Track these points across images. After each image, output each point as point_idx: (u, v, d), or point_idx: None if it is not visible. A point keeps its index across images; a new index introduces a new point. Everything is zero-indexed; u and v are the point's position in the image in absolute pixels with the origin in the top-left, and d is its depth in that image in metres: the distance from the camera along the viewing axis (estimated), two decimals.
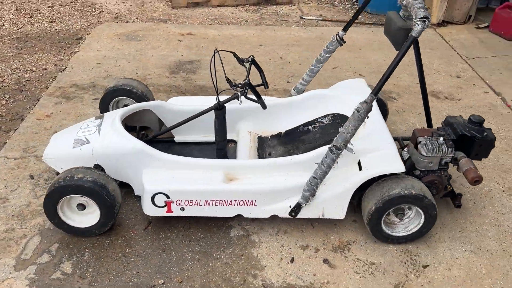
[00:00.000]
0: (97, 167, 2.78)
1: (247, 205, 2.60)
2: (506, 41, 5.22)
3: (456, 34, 5.46)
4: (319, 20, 5.89)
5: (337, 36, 3.10)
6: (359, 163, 2.58)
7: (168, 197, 2.57)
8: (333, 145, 2.37)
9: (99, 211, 2.56)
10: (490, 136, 2.61)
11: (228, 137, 3.14)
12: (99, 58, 4.64)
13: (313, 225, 2.72)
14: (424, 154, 2.55)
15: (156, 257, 2.50)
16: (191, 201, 2.59)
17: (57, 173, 2.90)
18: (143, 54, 4.77)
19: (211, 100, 3.26)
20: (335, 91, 3.24)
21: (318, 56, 3.24)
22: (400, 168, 2.49)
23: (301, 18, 5.95)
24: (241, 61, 2.88)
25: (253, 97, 2.77)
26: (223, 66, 2.84)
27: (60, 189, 2.46)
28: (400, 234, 2.60)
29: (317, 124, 3.14)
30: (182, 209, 2.61)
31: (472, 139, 2.60)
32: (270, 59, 4.75)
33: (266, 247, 2.59)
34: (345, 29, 3.10)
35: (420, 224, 2.56)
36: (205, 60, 4.67)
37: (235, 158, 3.04)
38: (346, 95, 3.17)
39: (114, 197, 2.54)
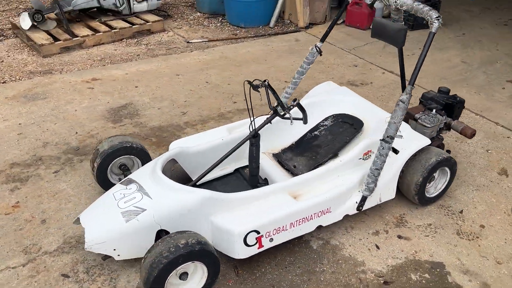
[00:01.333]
0: (161, 232, 2.54)
1: (324, 213, 2.76)
2: (364, 31, 6.37)
3: (331, 35, 6.36)
4: (205, 41, 6.08)
5: (316, 47, 3.45)
6: (393, 149, 3.01)
7: (258, 232, 2.55)
8: (387, 136, 2.74)
9: (206, 272, 2.38)
10: (461, 99, 3.36)
11: (241, 164, 3.21)
12: (15, 128, 3.93)
13: (367, 213, 3.05)
14: (429, 125, 3.15)
15: None
16: (279, 229, 2.62)
17: (106, 257, 2.53)
18: (64, 111, 4.22)
19: (220, 132, 3.26)
20: (319, 97, 3.58)
21: (300, 69, 3.53)
22: (427, 141, 3.02)
23: (188, 42, 6.04)
24: (256, 87, 2.98)
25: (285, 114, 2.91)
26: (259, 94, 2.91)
27: (169, 265, 2.22)
28: (434, 194, 3.15)
29: (322, 128, 3.44)
30: (271, 240, 2.62)
31: (452, 105, 3.31)
32: (198, 86, 4.78)
33: (350, 246, 2.81)
34: (322, 40, 3.47)
35: (447, 181, 3.15)
36: (136, 101, 4.43)
37: (264, 181, 3.12)
38: (330, 97, 3.56)
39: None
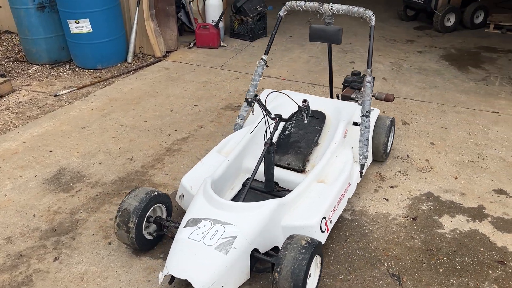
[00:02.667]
0: (253, 252, 2.64)
1: (348, 187, 3.29)
2: (217, 49, 6.95)
3: (185, 57, 6.69)
4: (74, 90, 5.65)
5: (263, 60, 3.87)
6: (354, 123, 3.72)
7: (325, 218, 2.90)
8: (366, 112, 3.44)
9: (319, 263, 2.62)
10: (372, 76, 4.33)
11: (243, 178, 3.46)
12: None
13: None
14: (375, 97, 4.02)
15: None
16: (333, 210, 3.04)
17: None
18: None
19: (214, 156, 3.46)
20: (273, 103, 4.00)
21: (252, 82, 3.89)
22: (378, 111, 3.85)
23: (56, 95, 5.51)
24: (250, 103, 3.26)
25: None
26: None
27: (309, 264, 2.42)
28: (389, 149, 4.00)
29: (290, 127, 3.88)
30: (331, 221, 3.02)
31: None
32: (117, 131, 4.55)
33: (369, 206, 3.44)
34: (266, 53, 3.91)
35: (392, 137, 4.05)
36: (66, 164, 3.99)
37: (276, 185, 3.44)
38: (281, 100, 4.03)
39: None
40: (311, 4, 3.73)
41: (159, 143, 4.38)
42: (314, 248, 2.48)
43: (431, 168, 3.89)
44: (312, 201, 3.01)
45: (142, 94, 5.46)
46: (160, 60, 6.62)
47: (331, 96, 4.50)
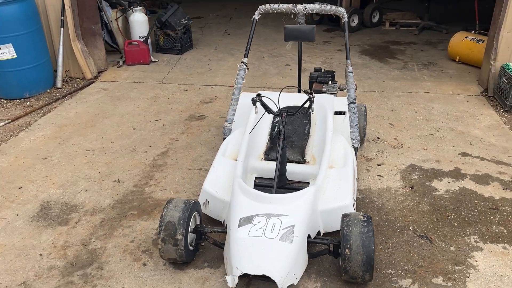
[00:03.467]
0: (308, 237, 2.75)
1: (354, 168, 3.54)
2: (149, 65, 6.77)
3: (119, 76, 6.40)
4: (8, 122, 5.06)
5: (244, 63, 3.95)
6: (342, 112, 4.00)
7: (353, 197, 3.13)
8: (352, 99, 3.76)
9: None
10: (332, 70, 4.67)
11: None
12: None
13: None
14: (335, 92, 4.35)
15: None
16: (354, 189, 3.27)
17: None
18: None
19: (223, 161, 3.49)
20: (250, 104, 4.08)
21: (236, 85, 3.95)
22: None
23: None
24: (254, 102, 3.36)
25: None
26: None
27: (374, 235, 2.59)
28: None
29: (278, 124, 3.99)
30: (355, 200, 3.22)
31: (332, 76, 4.58)
32: (87, 157, 4.23)
33: (370, 184, 3.74)
34: (245, 56, 3.99)
35: (366, 122, 4.44)
36: (48, 198, 3.62)
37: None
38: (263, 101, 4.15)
39: None
40: (285, 6, 3.95)
41: (140, 161, 4.19)
42: (371, 220, 2.68)
43: (402, 144, 4.37)
44: (336, 185, 3.22)
45: (92, 117, 5.13)
46: (93, 82, 6.25)
47: (299, 92, 4.76)
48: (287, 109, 3.49)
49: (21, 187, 3.81)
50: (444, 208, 3.41)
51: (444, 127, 4.71)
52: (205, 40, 8.10)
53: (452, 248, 3.01)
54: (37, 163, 4.18)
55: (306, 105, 3.41)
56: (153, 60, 6.95)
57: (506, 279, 2.75)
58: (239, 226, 2.73)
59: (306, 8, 3.93)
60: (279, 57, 7.09)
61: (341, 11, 3.85)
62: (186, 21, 7.31)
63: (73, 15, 5.99)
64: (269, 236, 2.64)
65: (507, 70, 5.03)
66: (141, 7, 7.12)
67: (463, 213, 3.36)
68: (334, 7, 3.87)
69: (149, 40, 7.02)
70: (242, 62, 4.03)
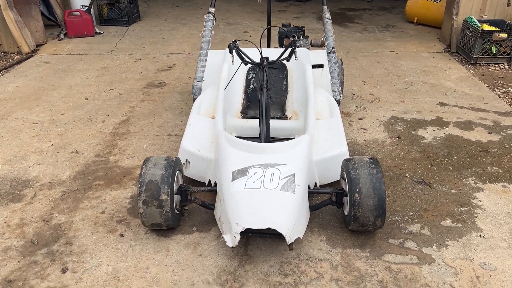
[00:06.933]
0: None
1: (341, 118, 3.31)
2: (94, 36, 6.15)
3: (61, 48, 5.75)
4: None
5: (211, 13, 3.58)
6: (319, 66, 3.75)
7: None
8: (331, 48, 3.52)
9: None
10: (301, 26, 4.40)
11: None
12: None
13: None
14: (308, 46, 4.08)
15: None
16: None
17: (293, 246, 2.24)
18: None
19: (197, 119, 3.16)
20: (225, 63, 3.70)
21: (204, 38, 3.57)
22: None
23: None
24: (231, 50, 3.01)
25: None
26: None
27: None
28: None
29: (252, 81, 3.68)
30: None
31: (303, 31, 4.31)
32: (43, 127, 3.67)
33: (355, 137, 3.50)
34: (212, 5, 3.61)
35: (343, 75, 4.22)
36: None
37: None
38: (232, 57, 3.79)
39: None
40: None
41: (98, 130, 3.70)
42: (378, 162, 2.45)
43: (379, 99, 4.20)
44: (328, 135, 2.96)
45: (36, 90, 4.52)
46: (32, 56, 5.56)
47: (269, 47, 4.46)
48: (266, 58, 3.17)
49: None
50: (436, 154, 3.27)
51: (416, 81, 4.61)
52: (153, 12, 7.55)
53: (453, 191, 2.86)
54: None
55: (286, 55, 3.14)
56: (98, 31, 6.33)
57: None
58: (233, 179, 2.39)
59: None
60: (236, 25, 6.73)
61: None
62: None
63: None
64: (269, 186, 2.33)
65: (470, 23, 5.02)
66: None
67: (455, 157, 3.23)
68: None
69: (92, 11, 6.40)
70: (209, 13, 3.65)
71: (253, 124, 3.23)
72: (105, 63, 5.26)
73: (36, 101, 4.28)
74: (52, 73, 4.98)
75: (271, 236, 2.30)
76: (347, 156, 2.79)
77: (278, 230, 2.16)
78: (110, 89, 4.52)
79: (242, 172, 2.41)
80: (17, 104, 4.22)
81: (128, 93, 4.44)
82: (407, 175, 3.03)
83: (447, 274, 2.23)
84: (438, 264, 2.29)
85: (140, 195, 2.35)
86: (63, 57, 5.49)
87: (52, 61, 5.38)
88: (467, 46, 5.10)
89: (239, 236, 2.16)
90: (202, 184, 2.80)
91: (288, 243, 2.17)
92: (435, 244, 2.42)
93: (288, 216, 2.23)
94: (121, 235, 2.52)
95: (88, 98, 4.33)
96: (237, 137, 3.12)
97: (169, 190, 2.35)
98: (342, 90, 4.02)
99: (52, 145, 3.50)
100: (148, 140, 3.54)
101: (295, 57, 3.04)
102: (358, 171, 2.37)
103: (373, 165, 2.39)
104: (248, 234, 2.27)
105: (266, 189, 2.31)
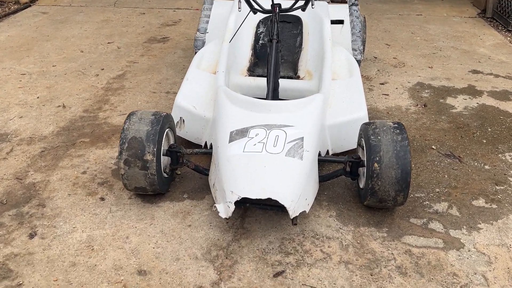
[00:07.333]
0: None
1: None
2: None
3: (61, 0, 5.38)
4: None
5: None
6: (339, 21, 3.32)
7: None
8: (354, 0, 3.09)
9: None
10: None
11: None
12: None
13: None
14: None
15: None
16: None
17: (296, 220, 1.90)
18: None
19: (196, 73, 2.78)
20: (232, 13, 3.31)
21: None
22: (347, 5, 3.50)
23: None
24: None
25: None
26: None
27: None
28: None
29: (262, 35, 3.28)
30: None
31: None
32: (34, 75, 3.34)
33: (375, 103, 3.11)
34: None
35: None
36: None
37: None
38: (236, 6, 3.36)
39: None
40: None
41: (90, 84, 3.36)
42: (404, 128, 2.07)
43: (404, 63, 3.77)
44: (345, 96, 2.57)
45: (29, 40, 4.18)
46: (29, 6, 5.20)
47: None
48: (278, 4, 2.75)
49: None
50: (467, 125, 2.86)
51: (446, 46, 4.14)
52: None
53: (487, 167, 2.47)
54: None
55: (302, 2, 2.71)
56: None
57: None
58: (230, 141, 2.03)
59: None
60: None
61: None
62: None
63: None
64: (272, 151, 1.97)
65: None
66: None
67: (489, 129, 2.82)
68: None
69: None
70: None
71: (260, 83, 2.85)
72: (106, 16, 4.88)
73: (28, 51, 3.94)
74: (49, 24, 4.62)
75: (272, 209, 1.95)
76: (366, 121, 2.41)
77: (280, 202, 1.81)
78: (109, 42, 4.15)
79: (242, 132, 2.05)
80: (7, 54, 3.89)
81: (127, 47, 4.07)
82: (433, 146, 2.65)
83: (478, 263, 1.87)
84: (469, 250, 1.93)
85: (122, 154, 2.01)
86: (63, 8, 5.12)
87: (50, 12, 5.01)
88: (505, 11, 4.58)
89: (234, 207, 1.82)
90: (198, 146, 2.46)
91: (291, 217, 1.83)
92: (464, 227, 2.06)
93: (293, 186, 1.88)
94: (102, 199, 2.21)
95: (83, 51, 3.97)
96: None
97: (155, 149, 2.01)
98: (363, 51, 3.60)
99: (38, 97, 3.17)
100: (143, 97, 3.19)
101: (312, 4, 2.62)
102: (379, 137, 1.99)
103: (397, 131, 2.01)
104: (245, 205, 1.94)
105: (268, 153, 1.96)
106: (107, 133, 2.76)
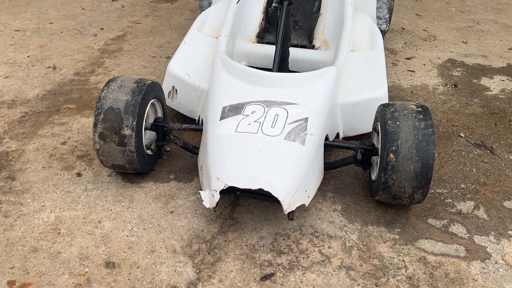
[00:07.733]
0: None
1: None
2: None
3: None
4: None
5: None
6: None
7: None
8: None
9: None
10: None
11: None
12: None
13: None
14: None
15: None
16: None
17: (293, 215, 1.63)
18: None
19: (195, 37, 2.46)
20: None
21: None
22: None
23: None
24: None
25: None
26: None
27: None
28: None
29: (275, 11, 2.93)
30: None
31: None
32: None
33: (399, 80, 2.76)
34: None
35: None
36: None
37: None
38: None
39: None
40: None
41: (86, 45, 3.10)
42: (430, 113, 1.74)
43: (434, 37, 3.36)
44: (363, 71, 2.22)
45: None
46: None
47: None
48: None
49: None
50: (503, 111, 2.50)
51: (484, 19, 3.70)
52: None
53: None
54: None
55: None
56: None
57: None
58: (221, 118, 1.75)
59: None
60: None
61: None
62: None
63: None
64: (269, 132, 1.68)
65: None
66: None
67: None
68: None
69: None
70: None
71: (269, 51, 2.53)
72: None
73: (25, 6, 3.68)
74: None
75: (265, 199, 1.68)
76: (385, 100, 2.08)
77: (273, 194, 1.53)
78: (113, 0, 3.85)
79: (236, 109, 1.76)
80: (4, 8, 3.63)
81: (132, 6, 3.76)
82: (462, 134, 2.30)
83: (506, 278, 1.57)
84: (496, 263, 1.63)
85: (96, 126, 1.75)
86: None
87: None
88: None
89: (219, 196, 1.56)
90: (192, 121, 2.18)
91: (286, 212, 1.55)
92: (493, 233, 1.75)
93: (290, 175, 1.59)
94: (78, 175, 1.97)
95: (85, 8, 3.69)
96: (247, 66, 2.46)
97: (134, 123, 1.74)
98: (389, 20, 3.22)
99: (28, 56, 2.92)
100: (141, 61, 2.91)
101: None
102: (398, 122, 1.66)
103: (421, 116, 1.68)
104: (235, 193, 1.67)
105: (264, 135, 1.67)
106: (96, 100, 2.50)
